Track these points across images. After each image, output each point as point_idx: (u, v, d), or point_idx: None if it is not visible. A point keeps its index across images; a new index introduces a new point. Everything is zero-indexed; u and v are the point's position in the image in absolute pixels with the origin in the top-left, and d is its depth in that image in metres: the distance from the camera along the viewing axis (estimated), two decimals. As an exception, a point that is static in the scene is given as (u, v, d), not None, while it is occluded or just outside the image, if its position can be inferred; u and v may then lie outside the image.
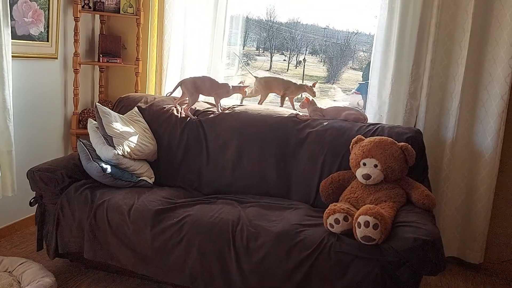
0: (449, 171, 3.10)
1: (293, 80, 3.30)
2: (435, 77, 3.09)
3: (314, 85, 3.23)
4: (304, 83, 3.30)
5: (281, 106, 3.29)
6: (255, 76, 3.36)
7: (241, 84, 3.24)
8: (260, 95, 3.35)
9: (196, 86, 3.14)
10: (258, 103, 3.34)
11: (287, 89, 3.25)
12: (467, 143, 3.11)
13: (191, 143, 3.05)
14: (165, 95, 3.44)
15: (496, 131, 2.97)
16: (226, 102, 3.33)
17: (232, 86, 3.22)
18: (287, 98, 3.29)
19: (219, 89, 3.19)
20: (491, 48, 2.98)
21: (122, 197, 2.57)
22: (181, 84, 3.19)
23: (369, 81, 3.27)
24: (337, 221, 2.21)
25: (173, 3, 3.47)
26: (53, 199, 2.65)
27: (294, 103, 3.33)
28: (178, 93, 3.28)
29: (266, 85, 3.31)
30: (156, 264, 2.42)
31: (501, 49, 2.91)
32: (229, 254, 2.29)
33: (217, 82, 3.22)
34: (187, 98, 3.20)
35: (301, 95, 3.40)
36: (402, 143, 2.56)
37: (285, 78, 3.53)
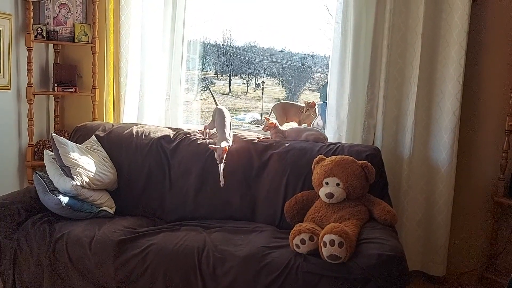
0: (408, 187, 3.18)
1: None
2: (390, 96, 3.18)
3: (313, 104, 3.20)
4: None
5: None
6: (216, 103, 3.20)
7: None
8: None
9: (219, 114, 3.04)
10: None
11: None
12: (423, 158, 3.20)
13: (153, 170, 3.01)
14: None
15: (451, 146, 3.08)
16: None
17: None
18: None
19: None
20: (441, 66, 3.10)
21: (82, 229, 2.49)
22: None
23: (327, 101, 3.34)
24: (303, 241, 2.22)
25: (129, 30, 3.46)
26: (9, 234, 2.54)
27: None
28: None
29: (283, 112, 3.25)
30: (120, 296, 2.35)
31: (450, 67, 3.04)
32: (196, 281, 2.25)
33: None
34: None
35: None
36: (362, 161, 2.62)
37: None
